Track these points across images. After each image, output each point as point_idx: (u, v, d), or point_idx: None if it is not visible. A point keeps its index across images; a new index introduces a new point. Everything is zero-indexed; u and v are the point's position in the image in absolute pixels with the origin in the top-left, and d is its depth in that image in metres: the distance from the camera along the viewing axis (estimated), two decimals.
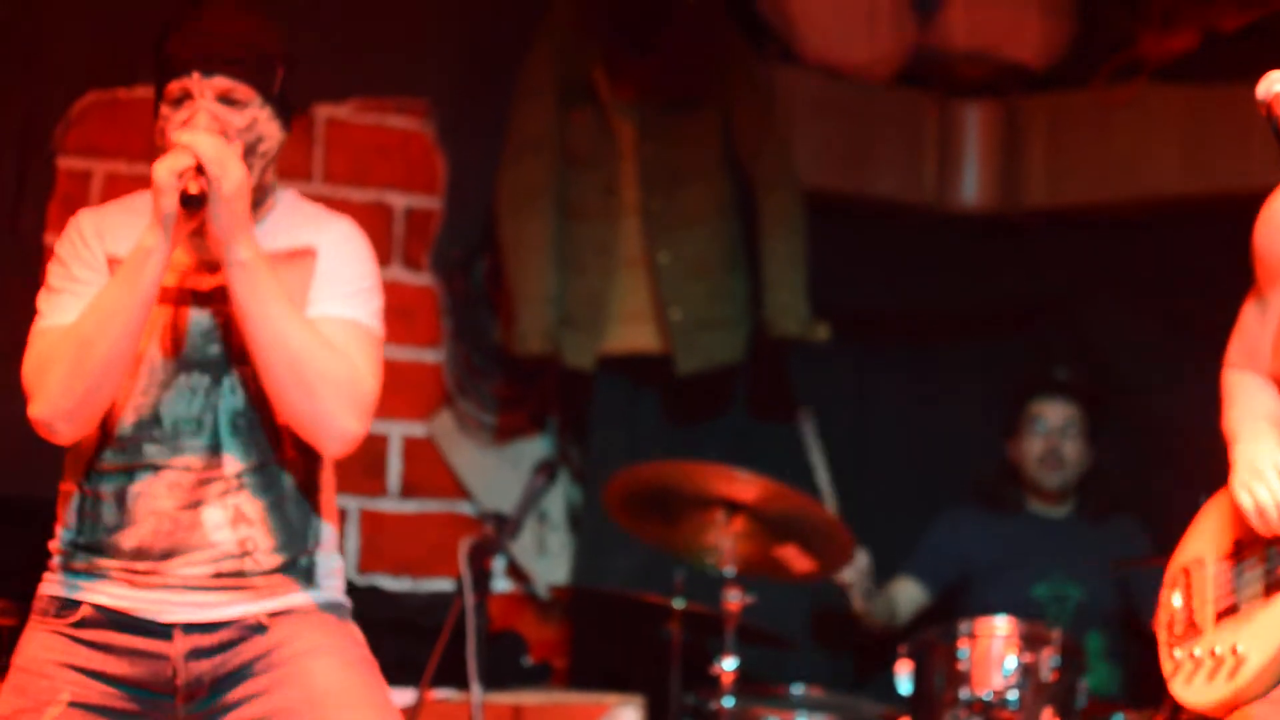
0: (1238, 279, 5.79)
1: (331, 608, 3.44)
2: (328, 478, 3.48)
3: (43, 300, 3.42)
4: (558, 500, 5.81)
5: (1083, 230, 6.11)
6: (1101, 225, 6.08)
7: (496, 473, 5.71)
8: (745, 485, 4.87)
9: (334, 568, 3.47)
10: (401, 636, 5.12)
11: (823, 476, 5.52)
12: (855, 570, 5.52)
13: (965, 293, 6.16)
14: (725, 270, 5.71)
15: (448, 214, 5.72)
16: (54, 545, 3.41)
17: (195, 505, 3.34)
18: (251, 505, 3.36)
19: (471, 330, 5.71)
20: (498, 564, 5.48)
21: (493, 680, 5.12)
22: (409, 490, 5.66)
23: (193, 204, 3.24)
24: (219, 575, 3.33)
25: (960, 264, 6.16)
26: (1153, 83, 5.89)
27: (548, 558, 5.77)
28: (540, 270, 5.54)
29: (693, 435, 5.86)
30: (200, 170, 3.24)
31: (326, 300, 3.41)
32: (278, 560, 3.38)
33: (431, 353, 5.70)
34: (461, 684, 5.06)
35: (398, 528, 5.61)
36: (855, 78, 6.00)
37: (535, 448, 5.79)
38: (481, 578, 5.07)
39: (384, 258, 5.49)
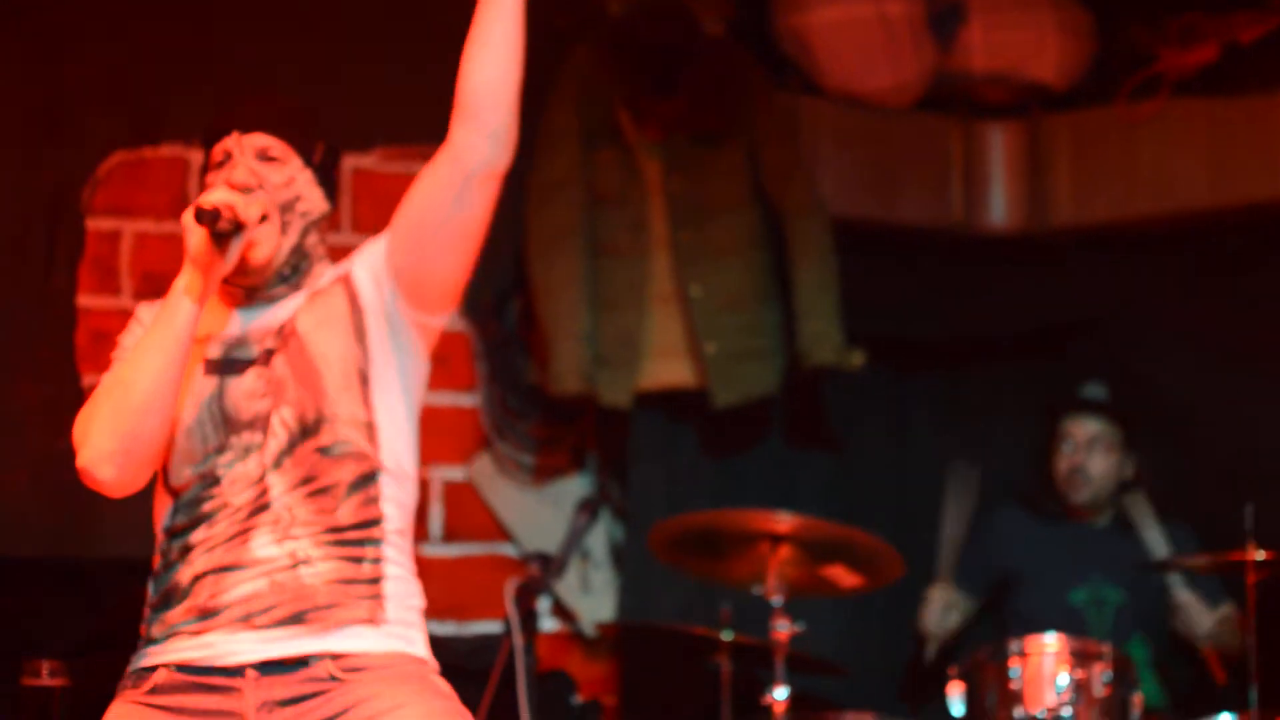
0: (1270, 287, 5.82)
1: (411, 662, 3.39)
2: (395, 517, 3.44)
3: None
4: (600, 538, 5.80)
5: (1112, 247, 6.11)
6: (1131, 241, 6.08)
7: (537, 513, 5.71)
8: (788, 523, 4.87)
9: (412, 620, 3.43)
10: (450, 681, 5.10)
11: (955, 529, 5.58)
12: (939, 623, 5.60)
13: (998, 314, 6.15)
14: (758, 302, 5.70)
15: (478, 258, 5.72)
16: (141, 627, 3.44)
17: (245, 531, 3.35)
18: (299, 524, 3.35)
19: (506, 373, 5.71)
20: (543, 604, 5.48)
21: None
22: (451, 534, 5.66)
23: (206, 218, 3.28)
24: (274, 584, 3.32)
25: (991, 286, 6.16)
26: (1175, 97, 5.89)
27: (592, 595, 5.76)
28: (573, 309, 5.55)
29: (731, 468, 5.86)
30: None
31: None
32: (333, 571, 3.34)
33: (468, 397, 5.70)
34: None
35: (441, 572, 5.60)
36: (877, 105, 6.01)
37: (575, 486, 5.79)
38: (528, 618, 5.07)
39: None
